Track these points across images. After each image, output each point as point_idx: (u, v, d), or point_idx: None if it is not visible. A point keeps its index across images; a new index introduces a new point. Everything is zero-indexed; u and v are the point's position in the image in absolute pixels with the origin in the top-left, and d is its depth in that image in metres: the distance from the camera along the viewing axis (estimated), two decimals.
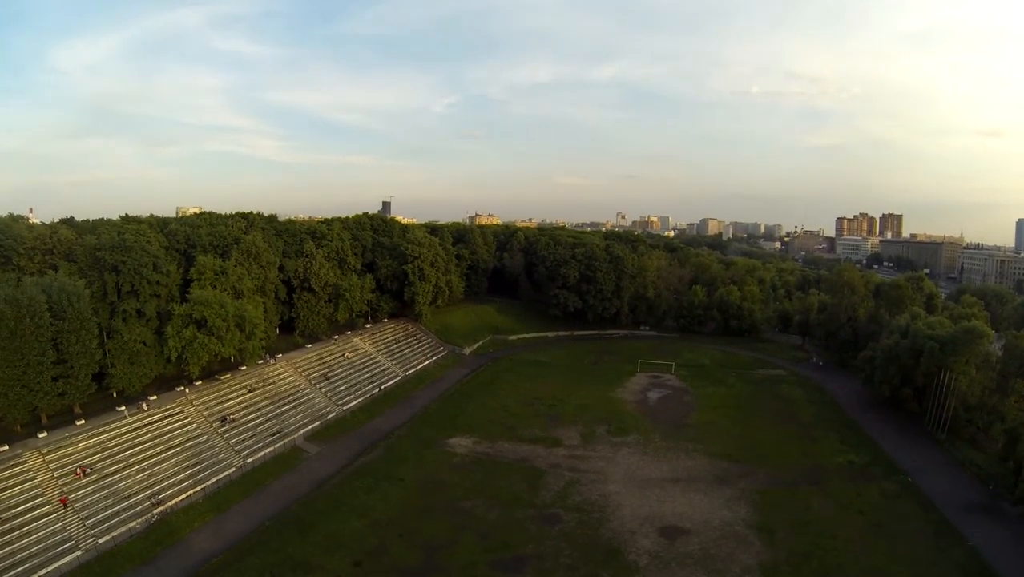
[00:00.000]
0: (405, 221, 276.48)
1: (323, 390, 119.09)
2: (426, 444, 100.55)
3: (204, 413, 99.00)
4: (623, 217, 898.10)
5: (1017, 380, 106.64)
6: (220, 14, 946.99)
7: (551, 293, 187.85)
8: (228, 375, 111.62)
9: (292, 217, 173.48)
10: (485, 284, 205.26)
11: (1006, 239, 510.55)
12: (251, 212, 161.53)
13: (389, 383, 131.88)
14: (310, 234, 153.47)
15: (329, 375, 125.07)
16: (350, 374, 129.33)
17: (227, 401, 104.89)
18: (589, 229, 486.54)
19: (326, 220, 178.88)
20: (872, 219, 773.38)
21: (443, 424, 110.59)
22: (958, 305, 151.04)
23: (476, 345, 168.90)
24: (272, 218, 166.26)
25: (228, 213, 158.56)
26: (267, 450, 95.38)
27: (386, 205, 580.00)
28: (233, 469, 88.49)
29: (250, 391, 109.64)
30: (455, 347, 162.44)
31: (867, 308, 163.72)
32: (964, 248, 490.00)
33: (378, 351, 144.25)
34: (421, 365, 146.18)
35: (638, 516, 78.24)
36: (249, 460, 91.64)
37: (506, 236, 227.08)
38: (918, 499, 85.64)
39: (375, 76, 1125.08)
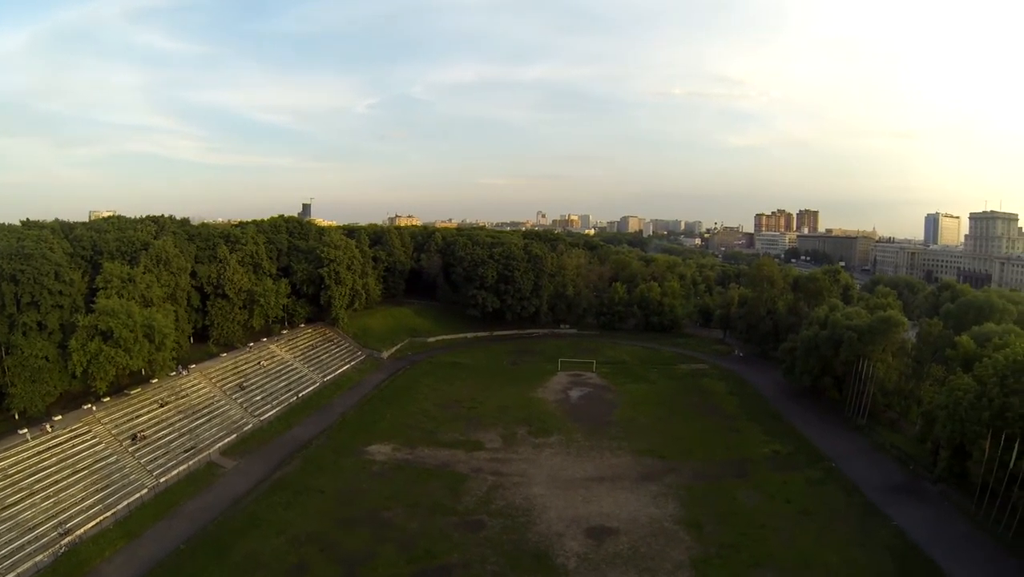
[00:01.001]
0: (324, 224, 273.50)
1: (239, 401, 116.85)
2: (345, 452, 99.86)
3: (113, 432, 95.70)
4: (543, 216, 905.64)
5: (931, 365, 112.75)
6: (137, 7, 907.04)
7: (469, 294, 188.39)
8: (138, 389, 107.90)
9: (209, 221, 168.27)
10: (403, 286, 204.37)
11: (916, 233, 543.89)
12: (162, 216, 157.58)
13: (307, 390, 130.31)
14: (224, 238, 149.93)
15: (245, 385, 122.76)
16: (267, 383, 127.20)
17: (138, 417, 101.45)
18: (509, 229, 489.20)
19: (240, 223, 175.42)
20: (789, 215, 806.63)
21: (362, 431, 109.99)
22: (873, 296, 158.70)
23: (394, 348, 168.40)
24: (184, 222, 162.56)
25: (138, 217, 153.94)
26: (181, 468, 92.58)
27: (306, 207, 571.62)
28: (145, 490, 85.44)
29: (162, 405, 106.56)
30: (373, 351, 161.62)
31: (786, 301, 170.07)
32: (877, 242, 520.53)
33: (295, 358, 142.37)
34: (339, 370, 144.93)
35: (564, 518, 79.19)
36: (162, 480, 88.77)
37: (424, 237, 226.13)
38: (843, 484, 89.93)
39: (297, 75, 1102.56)
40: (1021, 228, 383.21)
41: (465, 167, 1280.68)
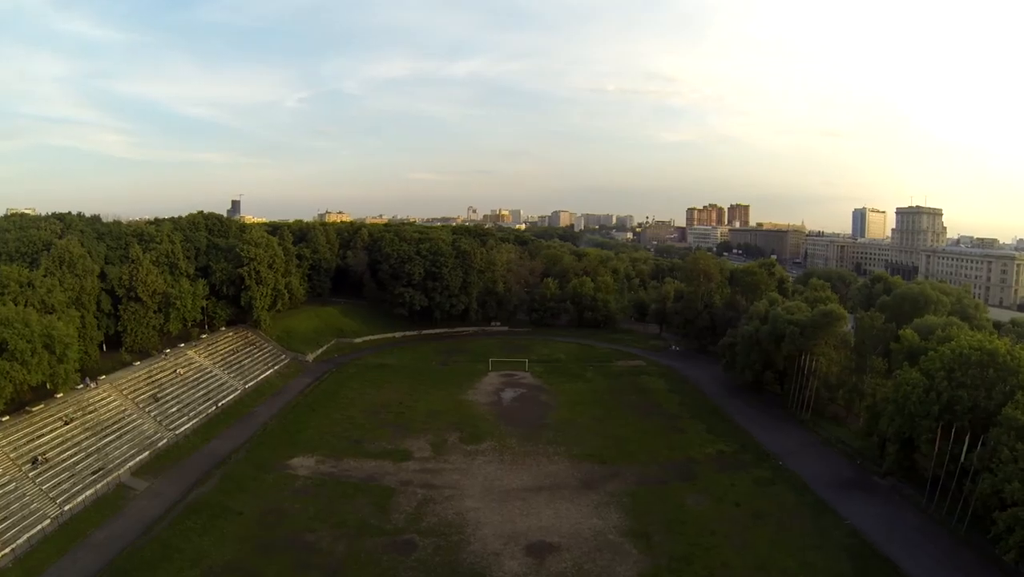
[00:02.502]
0: (253, 220, 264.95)
1: (152, 414, 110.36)
2: (265, 467, 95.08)
3: (11, 455, 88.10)
4: (474, 212, 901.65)
5: (873, 358, 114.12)
6: None
7: (396, 292, 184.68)
8: (41, 406, 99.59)
9: (134, 220, 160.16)
10: (329, 285, 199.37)
11: (843, 227, 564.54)
12: (68, 213, 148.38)
13: (227, 399, 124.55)
14: (137, 237, 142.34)
15: (159, 396, 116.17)
16: (183, 392, 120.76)
17: (39, 438, 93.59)
18: (440, 224, 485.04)
19: (156, 220, 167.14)
20: (721, 209, 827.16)
21: (284, 443, 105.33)
22: (808, 288, 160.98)
23: (320, 350, 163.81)
24: (95, 219, 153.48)
25: (42, 215, 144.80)
26: (88, 492, 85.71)
27: (236, 204, 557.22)
28: (48, 521, 78.31)
29: (67, 423, 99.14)
30: (298, 354, 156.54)
31: (723, 295, 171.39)
32: (807, 235, 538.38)
33: (214, 364, 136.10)
34: (262, 376, 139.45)
35: (501, 534, 75.88)
36: (67, 507, 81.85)
37: (350, 234, 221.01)
38: (792, 483, 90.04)
39: (226, 68, 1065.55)
40: (945, 226, 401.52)
41: (396, 162, 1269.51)
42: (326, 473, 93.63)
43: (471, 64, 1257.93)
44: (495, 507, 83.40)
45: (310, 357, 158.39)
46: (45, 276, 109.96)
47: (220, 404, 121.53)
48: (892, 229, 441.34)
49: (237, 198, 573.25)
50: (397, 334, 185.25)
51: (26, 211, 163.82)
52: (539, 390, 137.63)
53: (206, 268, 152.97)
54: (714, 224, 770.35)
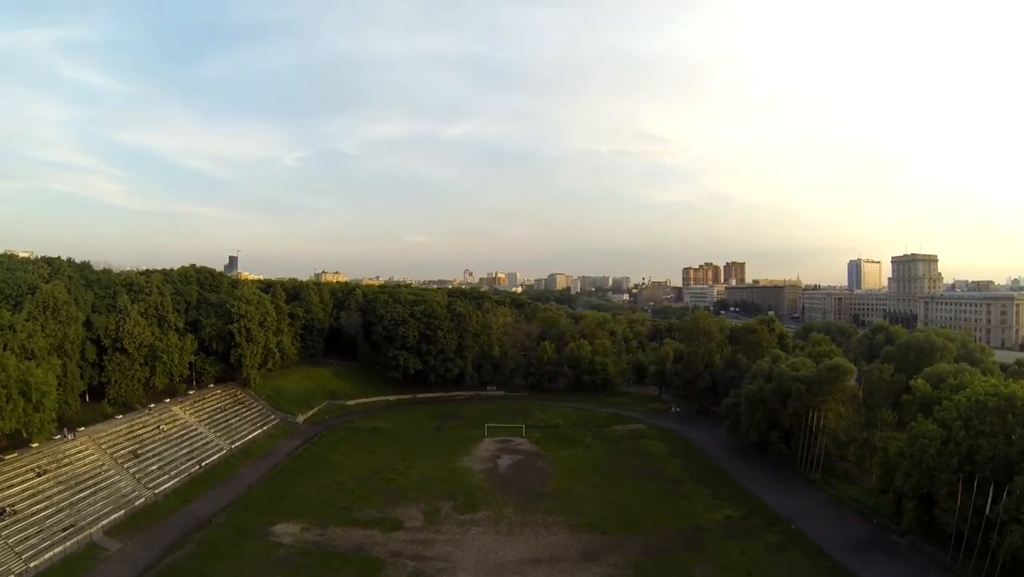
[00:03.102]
0: (250, 277, 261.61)
1: (131, 470, 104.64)
2: (247, 534, 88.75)
3: None
4: (470, 274, 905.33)
5: (882, 410, 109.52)
6: (70, 40, 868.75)
7: (390, 354, 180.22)
8: (15, 454, 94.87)
9: (126, 269, 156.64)
10: (322, 345, 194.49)
11: (838, 279, 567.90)
12: (57, 257, 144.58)
13: (212, 459, 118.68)
14: (126, 287, 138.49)
15: (140, 452, 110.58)
16: (165, 449, 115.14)
17: (9, 488, 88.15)
18: (436, 287, 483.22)
19: (147, 271, 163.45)
20: (717, 268, 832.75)
21: (268, 507, 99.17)
22: (808, 343, 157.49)
23: (311, 412, 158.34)
24: (84, 266, 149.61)
25: (31, 257, 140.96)
26: (56, 549, 79.89)
27: (233, 260, 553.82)
28: None
29: (39, 474, 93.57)
30: (288, 415, 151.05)
31: (724, 354, 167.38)
32: (804, 289, 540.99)
33: (200, 421, 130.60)
34: (249, 436, 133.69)
35: None
36: (32, 564, 76.02)
37: (344, 293, 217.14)
38: (805, 547, 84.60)
39: (227, 123, 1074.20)
40: (941, 272, 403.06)
41: (392, 223, 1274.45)
42: (311, 542, 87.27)
43: (466, 126, 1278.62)
44: None
45: (300, 418, 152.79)
46: (27, 320, 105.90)
47: (204, 464, 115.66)
48: (888, 278, 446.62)
49: (235, 254, 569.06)
50: (391, 397, 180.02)
51: (24, 254, 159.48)
52: (536, 456, 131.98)
53: (196, 323, 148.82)
54: (710, 283, 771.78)
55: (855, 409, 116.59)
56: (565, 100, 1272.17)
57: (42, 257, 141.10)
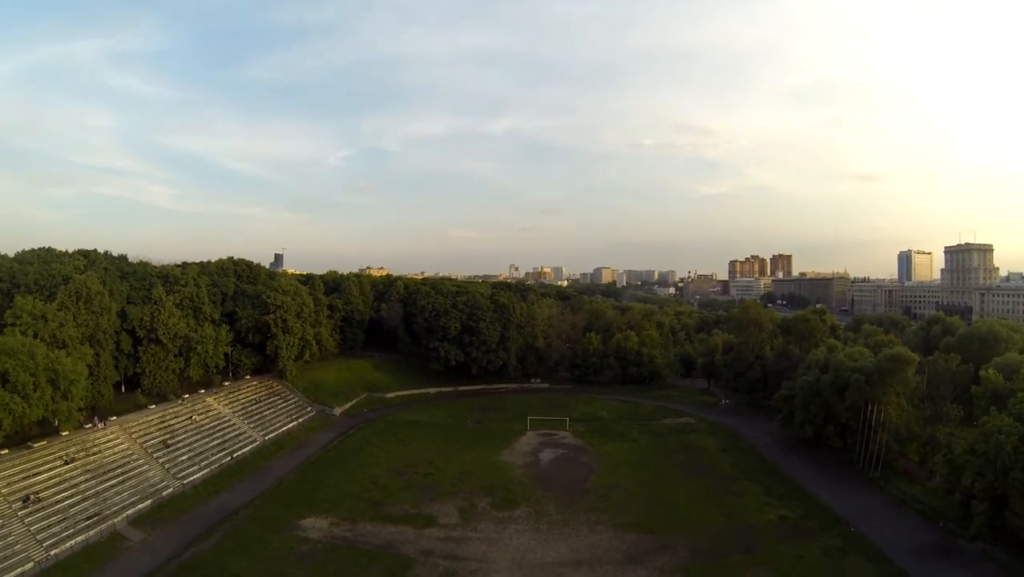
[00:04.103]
0: (293, 273, 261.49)
1: (161, 460, 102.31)
2: (274, 527, 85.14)
3: (3, 491, 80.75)
4: (516, 269, 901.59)
5: (947, 404, 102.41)
6: (118, 50, 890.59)
7: (431, 346, 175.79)
8: (44, 442, 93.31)
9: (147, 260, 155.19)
10: (361, 337, 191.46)
11: (886, 272, 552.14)
12: (94, 250, 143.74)
13: (244, 450, 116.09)
14: (161, 278, 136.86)
15: (170, 442, 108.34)
16: (196, 440, 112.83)
17: (36, 475, 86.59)
18: (480, 281, 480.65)
19: (183, 264, 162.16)
20: (763, 260, 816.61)
21: (298, 500, 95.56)
22: (859, 335, 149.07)
23: (349, 404, 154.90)
24: (120, 258, 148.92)
25: (68, 251, 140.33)
26: (79, 538, 77.62)
27: (279, 258, 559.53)
28: (31, 564, 70.51)
29: (67, 462, 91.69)
30: (325, 407, 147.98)
31: (775, 345, 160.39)
32: (853, 282, 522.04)
33: (234, 412, 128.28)
34: (283, 428, 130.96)
35: None
36: (53, 552, 73.72)
37: (385, 286, 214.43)
38: (867, 552, 77.45)
39: (270, 124, 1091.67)
40: (997, 266, 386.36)
41: (436, 220, 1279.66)
42: (339, 537, 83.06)
43: (508, 121, 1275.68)
44: None
45: (337, 411, 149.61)
46: (60, 310, 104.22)
47: (235, 455, 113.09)
48: (941, 269, 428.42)
49: (280, 252, 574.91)
50: (431, 390, 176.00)
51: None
52: (580, 451, 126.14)
53: (232, 314, 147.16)
54: (757, 276, 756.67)
55: (917, 403, 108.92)
56: (607, 94, 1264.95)
57: (78, 250, 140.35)
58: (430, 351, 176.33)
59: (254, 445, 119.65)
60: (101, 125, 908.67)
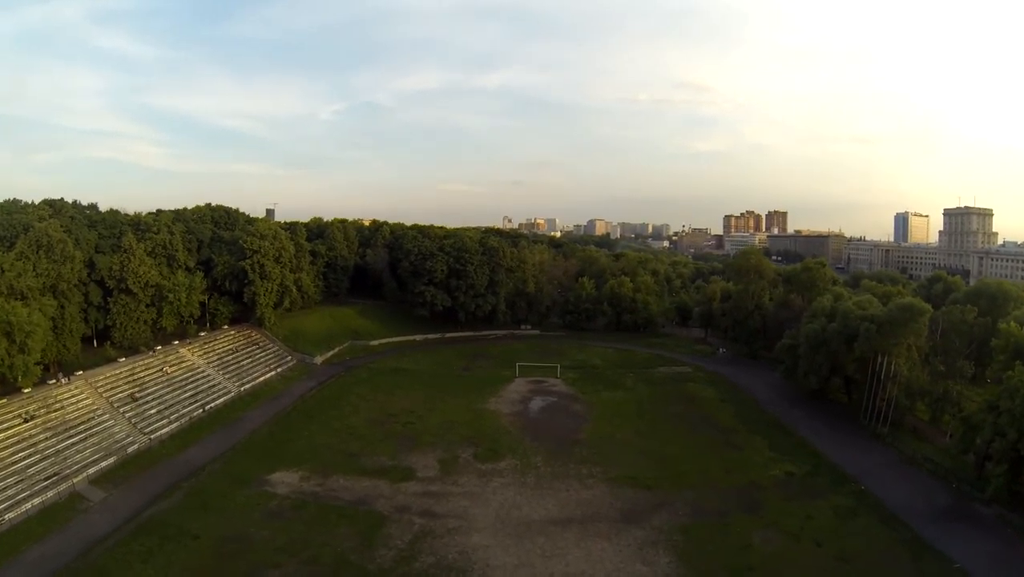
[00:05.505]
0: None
1: (127, 415, 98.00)
2: (241, 482, 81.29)
3: None
4: (509, 221, 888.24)
5: (961, 360, 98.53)
6: (102, 9, 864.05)
7: (416, 290, 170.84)
8: (3, 401, 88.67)
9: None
10: (346, 284, 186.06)
11: (880, 233, 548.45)
12: (61, 199, 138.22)
13: (217, 402, 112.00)
14: (132, 226, 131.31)
15: (139, 395, 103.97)
16: (167, 393, 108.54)
17: None
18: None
19: (157, 211, 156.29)
20: (758, 216, 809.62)
21: (268, 454, 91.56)
22: (859, 291, 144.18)
23: (331, 353, 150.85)
24: (91, 207, 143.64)
25: (35, 202, 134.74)
26: (35, 501, 73.39)
27: (270, 213, 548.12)
28: None
29: (26, 420, 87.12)
30: (306, 356, 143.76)
31: (775, 295, 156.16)
32: (849, 240, 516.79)
33: (209, 363, 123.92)
34: (261, 378, 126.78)
35: None
36: (8, 516, 69.65)
37: (371, 231, 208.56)
38: (879, 513, 73.70)
39: (262, 81, 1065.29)
40: (996, 231, 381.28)
41: (429, 173, 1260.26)
42: (308, 493, 79.31)
43: (501, 76, 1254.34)
44: (510, 545, 67.01)
45: (319, 360, 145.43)
46: (18, 260, 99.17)
47: (208, 407, 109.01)
48: (939, 232, 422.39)
49: (271, 207, 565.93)
50: (418, 337, 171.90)
51: None
52: (572, 399, 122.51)
53: (208, 262, 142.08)
54: (752, 231, 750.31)
55: (929, 357, 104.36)
56: (601, 48, 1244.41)
57: (44, 200, 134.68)
58: (416, 296, 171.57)
59: (228, 397, 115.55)
60: (88, 87, 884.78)
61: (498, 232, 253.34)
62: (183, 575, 60.38)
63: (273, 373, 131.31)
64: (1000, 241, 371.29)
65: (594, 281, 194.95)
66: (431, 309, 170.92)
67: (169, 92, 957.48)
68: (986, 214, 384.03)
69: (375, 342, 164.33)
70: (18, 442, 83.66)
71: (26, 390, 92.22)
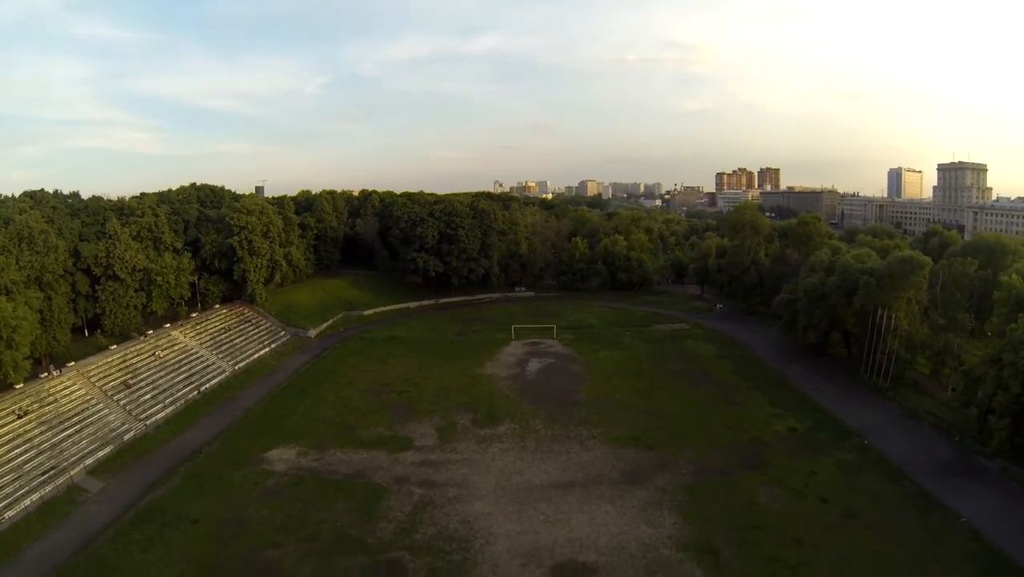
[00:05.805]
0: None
1: (122, 402, 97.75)
2: (238, 462, 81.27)
3: None
4: (500, 185, 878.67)
5: (961, 313, 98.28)
6: None
7: (408, 257, 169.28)
8: None
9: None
10: (337, 256, 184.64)
11: (873, 189, 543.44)
12: (41, 190, 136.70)
13: (212, 382, 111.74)
14: (116, 211, 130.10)
15: (132, 382, 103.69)
16: (161, 377, 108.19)
17: None
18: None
19: (140, 194, 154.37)
20: (751, 173, 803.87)
21: (264, 431, 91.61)
22: (855, 245, 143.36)
23: (325, 325, 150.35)
24: (73, 195, 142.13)
25: (15, 195, 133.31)
26: (34, 496, 73.21)
27: (259, 190, 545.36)
28: None
29: (20, 416, 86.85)
30: (299, 330, 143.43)
31: (771, 250, 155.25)
32: (843, 196, 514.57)
33: (201, 344, 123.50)
34: (255, 356, 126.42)
35: (519, 551, 59.42)
36: (8, 514, 69.51)
37: (360, 201, 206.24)
38: (883, 468, 74.22)
39: (245, 58, 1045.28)
40: (990, 186, 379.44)
41: (419, 142, 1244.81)
42: (306, 469, 79.45)
43: (488, 41, 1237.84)
44: (512, 511, 67.20)
45: (312, 333, 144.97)
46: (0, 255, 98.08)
47: (202, 389, 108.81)
48: (933, 187, 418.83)
49: (261, 183, 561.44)
50: (411, 304, 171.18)
51: None
52: (569, 360, 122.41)
53: (196, 241, 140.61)
54: (744, 188, 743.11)
55: (928, 310, 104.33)
56: (588, 9, 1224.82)
57: (24, 192, 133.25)
58: (407, 263, 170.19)
59: (223, 376, 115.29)
60: (69, 77, 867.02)
61: (489, 196, 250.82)
62: (183, 561, 60.55)
63: (267, 349, 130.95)
64: (994, 197, 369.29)
65: (587, 241, 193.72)
66: (424, 275, 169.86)
67: (152, 76, 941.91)
68: (980, 169, 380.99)
69: (369, 312, 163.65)
70: (13, 439, 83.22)
71: (18, 386, 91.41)
